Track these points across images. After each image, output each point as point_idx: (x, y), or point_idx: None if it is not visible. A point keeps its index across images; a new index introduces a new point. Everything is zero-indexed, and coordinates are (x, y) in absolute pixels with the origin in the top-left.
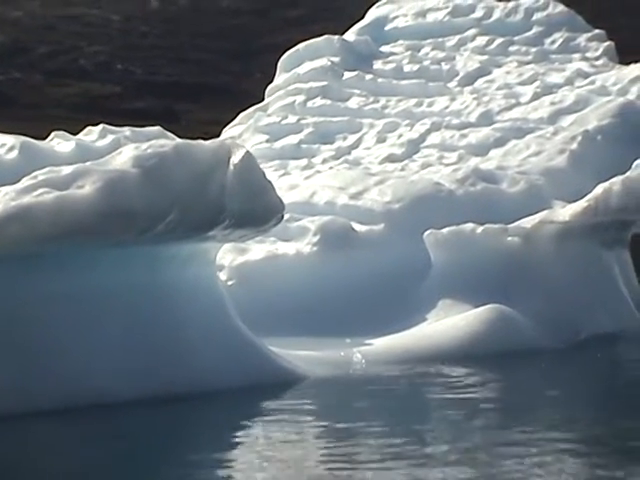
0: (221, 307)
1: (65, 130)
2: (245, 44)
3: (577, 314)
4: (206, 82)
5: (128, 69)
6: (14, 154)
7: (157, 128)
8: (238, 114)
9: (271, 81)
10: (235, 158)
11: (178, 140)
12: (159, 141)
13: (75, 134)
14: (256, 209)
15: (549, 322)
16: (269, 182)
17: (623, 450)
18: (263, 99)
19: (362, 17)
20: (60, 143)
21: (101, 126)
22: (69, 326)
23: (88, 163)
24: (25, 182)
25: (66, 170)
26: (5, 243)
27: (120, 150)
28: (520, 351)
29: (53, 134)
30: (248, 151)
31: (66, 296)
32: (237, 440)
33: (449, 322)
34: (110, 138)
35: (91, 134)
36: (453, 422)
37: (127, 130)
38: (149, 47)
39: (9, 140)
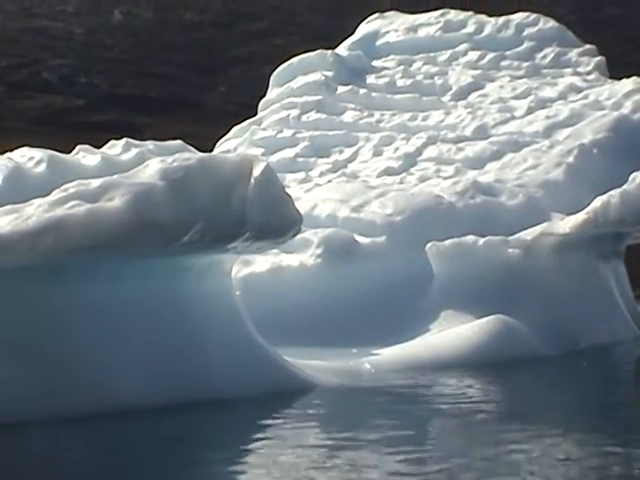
0: (237, 317)
1: (28, 144)
2: (209, 57)
3: (576, 324)
4: (170, 95)
5: (92, 82)
6: (42, 167)
7: (179, 142)
8: (202, 127)
9: (236, 94)
10: (256, 171)
11: (202, 154)
12: (183, 154)
13: (38, 147)
14: (275, 221)
15: (549, 332)
16: (288, 195)
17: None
18: (226, 112)
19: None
20: (85, 156)
21: (124, 140)
22: (94, 335)
23: (116, 176)
24: (56, 195)
25: (95, 183)
26: (40, 254)
27: (147, 163)
28: (522, 360)
29: (78, 148)
30: (268, 164)
31: (91, 306)
32: (253, 447)
33: (454, 332)
34: (134, 152)
35: (115, 148)
36: (463, 429)
37: (150, 144)
38: (113, 60)
39: (37, 154)
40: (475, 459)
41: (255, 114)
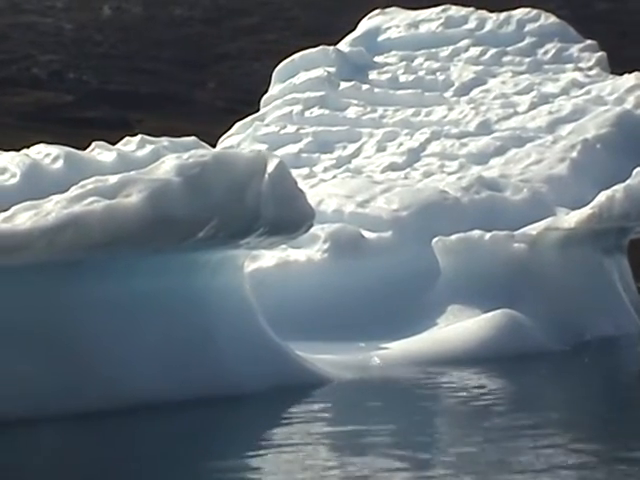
0: (250, 312)
1: (17, 139)
2: (198, 53)
3: (580, 318)
4: (159, 91)
5: (81, 78)
6: (59, 164)
7: (193, 138)
8: (192, 122)
9: (225, 89)
10: (270, 167)
11: (216, 150)
12: (199, 151)
13: (28, 143)
14: (289, 216)
15: (554, 325)
16: (301, 190)
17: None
18: (216, 107)
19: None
20: (101, 153)
21: (139, 136)
22: (109, 331)
23: (133, 172)
24: (74, 191)
25: (112, 179)
26: (58, 250)
27: (162, 160)
28: (528, 353)
29: (94, 144)
30: (282, 160)
31: (106, 301)
32: (267, 442)
33: (461, 326)
34: (149, 148)
35: (130, 144)
36: (471, 422)
37: (164, 140)
38: (102, 56)
39: (53, 150)
40: (482, 452)
41: (244, 109)
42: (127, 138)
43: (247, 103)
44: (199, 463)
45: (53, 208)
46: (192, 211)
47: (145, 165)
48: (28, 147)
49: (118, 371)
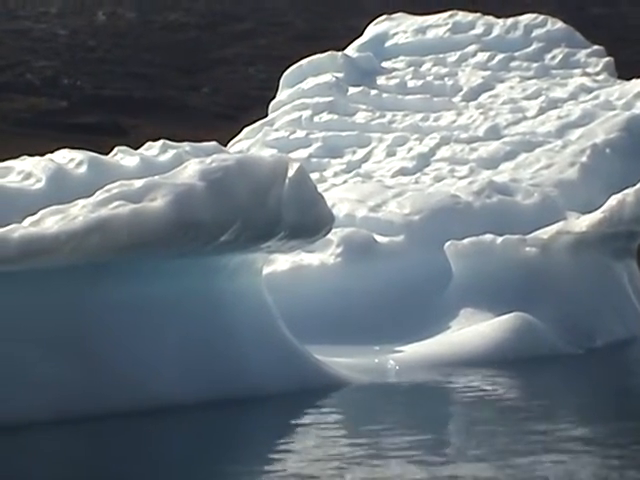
0: (270, 315)
1: (12, 145)
2: (192, 58)
3: (591, 321)
4: (154, 96)
5: (75, 84)
6: (83, 168)
7: (213, 143)
8: (187, 127)
9: (220, 95)
10: (291, 171)
11: (239, 154)
12: (221, 155)
13: (25, 148)
14: (309, 220)
15: (565, 328)
16: (321, 195)
17: None
18: (211, 112)
19: (359, 34)
20: (124, 158)
21: (162, 141)
22: (132, 333)
23: (157, 177)
24: (100, 195)
25: (137, 184)
26: (85, 254)
27: (185, 164)
28: (541, 356)
29: (116, 149)
30: (302, 165)
31: (127, 304)
32: (286, 446)
33: (475, 329)
34: (171, 153)
35: (152, 149)
36: (487, 426)
37: (186, 145)
38: (96, 61)
39: (77, 155)
40: (498, 456)
41: (239, 114)
42: (149, 143)
43: (242, 108)
44: (218, 466)
45: (80, 212)
46: (215, 215)
47: (167, 170)
48: (17, 155)
49: (140, 373)
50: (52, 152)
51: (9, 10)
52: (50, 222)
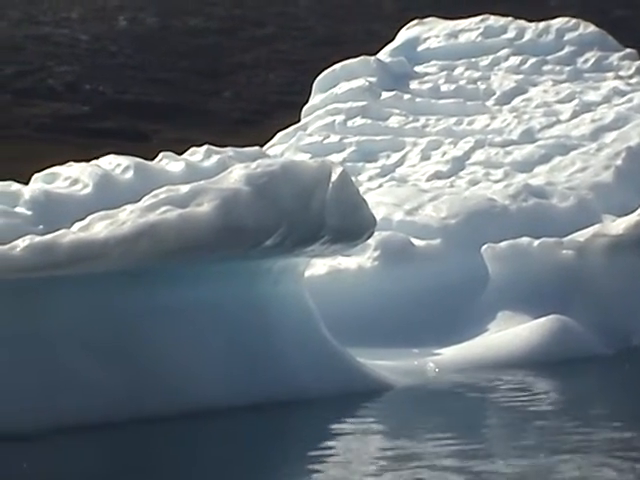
0: (312, 319)
1: (34, 151)
2: (213, 63)
3: (628, 323)
4: (175, 101)
5: (97, 89)
6: (130, 174)
7: (256, 148)
8: (207, 133)
9: (241, 100)
10: (334, 176)
11: (283, 159)
12: (265, 160)
13: (48, 153)
14: (351, 224)
15: (602, 330)
16: (363, 199)
17: None
18: (231, 118)
19: (391, 39)
20: (169, 163)
21: (206, 147)
22: (176, 337)
23: (203, 182)
24: (148, 200)
25: (184, 189)
26: (133, 259)
27: (230, 169)
28: (579, 358)
29: (161, 155)
30: (345, 169)
31: (174, 308)
32: (330, 447)
33: (512, 332)
34: (215, 158)
35: (196, 154)
36: (530, 427)
37: (230, 150)
38: (118, 67)
39: (123, 161)
40: (535, 458)
41: (260, 119)
42: (193, 148)
43: (263, 113)
44: (261, 469)
45: (128, 217)
46: (260, 219)
47: (212, 175)
48: (39, 161)
49: (183, 377)
50: (74, 157)
51: (31, 16)
52: (99, 227)
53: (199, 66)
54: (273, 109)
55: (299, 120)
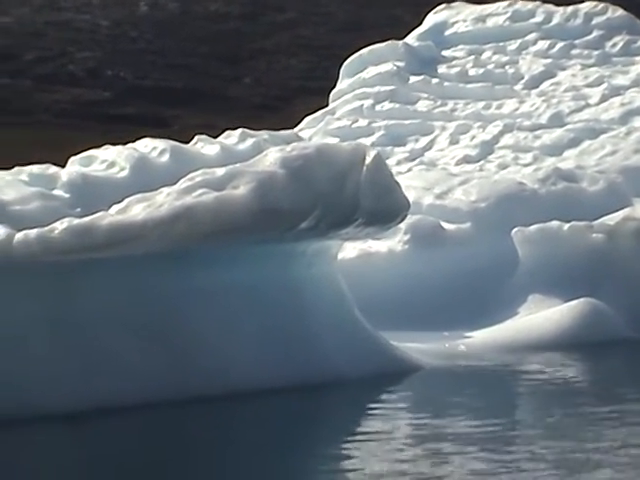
0: (345, 301)
1: (54, 136)
2: (234, 49)
3: None
4: (196, 87)
5: (118, 74)
6: (166, 157)
7: (291, 131)
8: (228, 118)
9: (262, 85)
10: (368, 159)
11: (318, 142)
12: (300, 144)
13: (69, 139)
14: (385, 207)
15: (632, 314)
16: (397, 182)
17: None
18: (252, 103)
19: (417, 24)
20: (204, 146)
21: (240, 130)
22: (212, 319)
23: (238, 165)
24: (184, 183)
25: (220, 172)
26: (170, 241)
27: (265, 152)
28: (608, 341)
29: (196, 138)
30: (379, 152)
31: (210, 291)
32: (364, 428)
33: (543, 315)
34: (250, 141)
35: (231, 137)
36: (560, 409)
37: (265, 133)
38: (138, 52)
39: (160, 144)
40: (566, 440)
41: (280, 105)
42: (228, 132)
43: (283, 99)
44: (295, 449)
45: (165, 200)
46: (296, 202)
47: (247, 158)
48: (59, 145)
49: (218, 359)
50: (95, 143)
51: (52, 2)
52: (136, 210)
53: (220, 51)
54: (294, 95)
55: (323, 106)
